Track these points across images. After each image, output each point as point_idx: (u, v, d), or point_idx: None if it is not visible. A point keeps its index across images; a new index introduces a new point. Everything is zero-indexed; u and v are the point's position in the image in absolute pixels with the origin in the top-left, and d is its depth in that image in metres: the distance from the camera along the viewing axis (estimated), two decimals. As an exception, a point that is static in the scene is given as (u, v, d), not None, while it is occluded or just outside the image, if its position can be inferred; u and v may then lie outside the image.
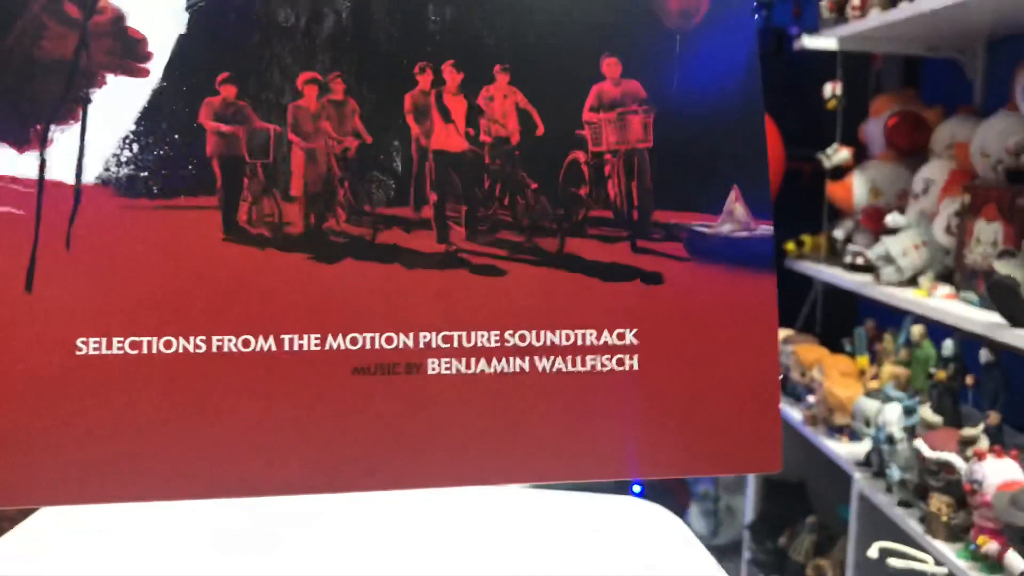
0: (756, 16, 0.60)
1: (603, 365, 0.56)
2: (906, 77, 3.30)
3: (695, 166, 0.58)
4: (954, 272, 2.32)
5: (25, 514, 0.72)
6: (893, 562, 1.84)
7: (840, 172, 3.02)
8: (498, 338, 0.55)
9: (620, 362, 0.56)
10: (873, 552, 1.82)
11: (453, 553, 0.77)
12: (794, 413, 2.61)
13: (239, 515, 0.73)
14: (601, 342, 0.56)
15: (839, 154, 3.01)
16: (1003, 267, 1.97)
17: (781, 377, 2.76)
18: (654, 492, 3.68)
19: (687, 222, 0.57)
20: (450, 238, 0.56)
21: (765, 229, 0.58)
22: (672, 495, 3.74)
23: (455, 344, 0.55)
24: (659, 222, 0.57)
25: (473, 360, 0.55)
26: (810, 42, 2.94)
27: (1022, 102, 2.28)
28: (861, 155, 3.09)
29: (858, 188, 2.91)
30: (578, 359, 0.55)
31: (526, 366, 0.55)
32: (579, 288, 0.56)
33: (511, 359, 0.55)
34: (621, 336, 0.56)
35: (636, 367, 0.56)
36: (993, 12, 2.34)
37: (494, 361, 0.55)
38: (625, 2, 0.58)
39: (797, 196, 3.60)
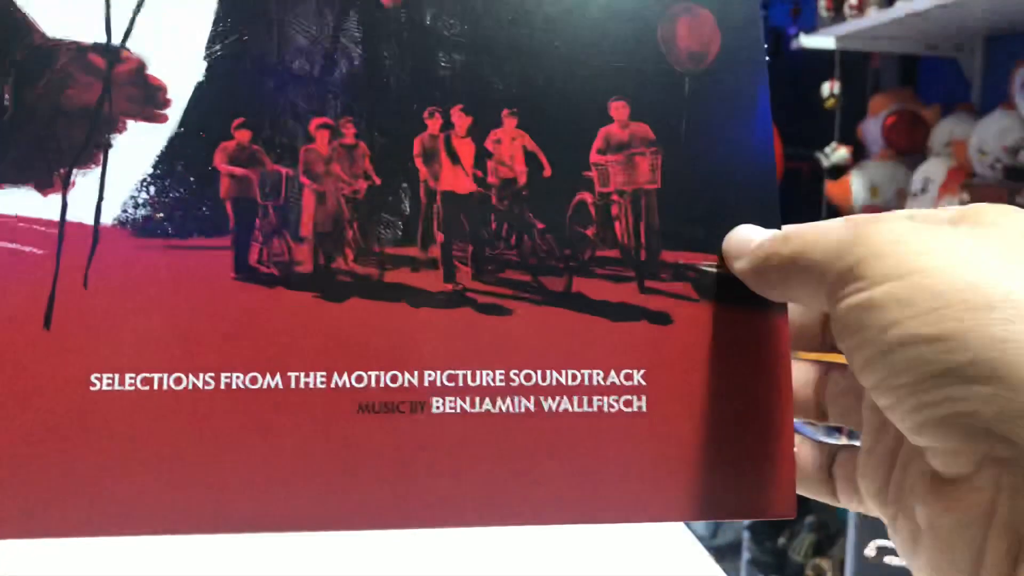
0: (767, 58, 0.60)
1: (610, 406, 0.55)
2: (904, 76, 3.32)
3: (704, 206, 0.57)
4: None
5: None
6: (891, 560, 1.85)
7: (838, 171, 3.03)
8: (503, 377, 0.55)
9: (628, 403, 0.55)
10: (871, 551, 1.84)
11: (452, 547, 0.77)
12: (795, 415, 2.61)
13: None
14: (608, 383, 0.55)
15: (837, 153, 3.03)
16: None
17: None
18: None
19: (695, 262, 0.57)
20: (456, 277, 0.56)
21: None
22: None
23: (460, 383, 0.55)
24: (667, 262, 0.57)
25: (478, 399, 0.55)
26: (808, 41, 2.95)
27: (1020, 100, 2.29)
28: (859, 154, 3.11)
29: (856, 187, 2.92)
30: (585, 399, 0.55)
31: (532, 406, 0.55)
32: (586, 328, 0.56)
33: (516, 398, 0.55)
34: (629, 377, 0.56)
35: (644, 408, 0.55)
36: (990, 10, 2.35)
37: (499, 400, 0.55)
38: (635, 46, 0.58)
39: (796, 195, 3.61)
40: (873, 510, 0.55)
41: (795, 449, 0.56)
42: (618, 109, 0.58)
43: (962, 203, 1.98)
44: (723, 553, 3.49)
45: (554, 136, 0.58)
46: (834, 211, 3.05)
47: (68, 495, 0.53)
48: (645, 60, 0.59)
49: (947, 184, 2.55)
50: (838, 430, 2.61)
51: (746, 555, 3.13)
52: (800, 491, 0.56)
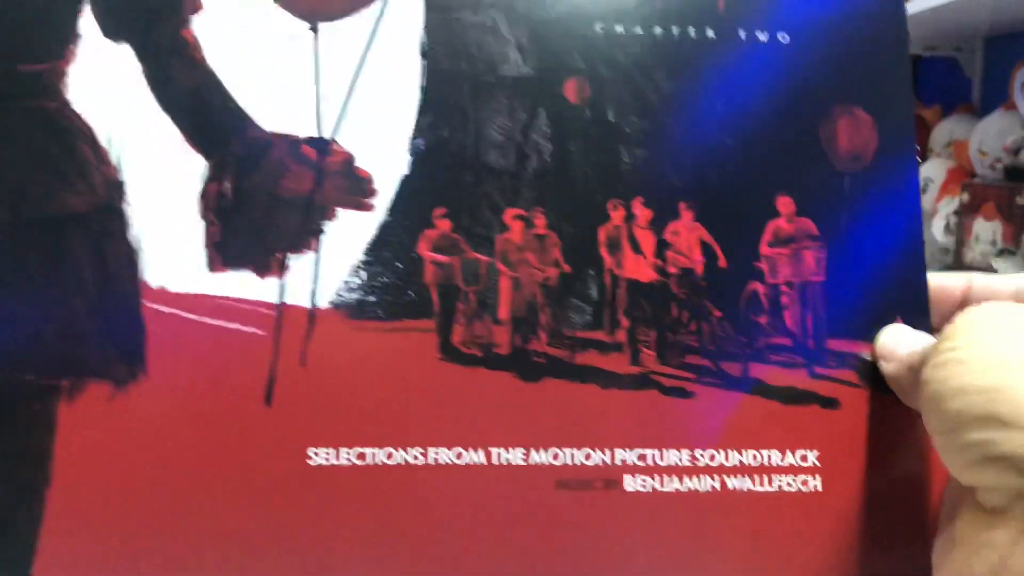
0: (918, 161, 0.64)
1: (788, 485, 0.59)
2: (903, 74, 3.33)
3: (863, 299, 0.62)
4: (953, 271, 2.35)
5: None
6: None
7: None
8: (690, 457, 0.59)
9: (804, 483, 0.59)
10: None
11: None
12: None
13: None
14: (786, 463, 0.59)
15: (838, 151, 3.05)
16: (1002, 265, 2.01)
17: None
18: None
19: (857, 351, 0.61)
20: (642, 360, 0.60)
21: None
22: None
23: (649, 461, 0.58)
24: (833, 350, 0.61)
25: (667, 477, 0.58)
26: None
27: (1020, 100, 2.32)
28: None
29: (857, 186, 2.93)
30: (766, 479, 0.59)
31: (718, 485, 0.58)
32: (762, 411, 0.60)
33: (703, 477, 0.58)
34: (804, 458, 0.59)
35: (820, 488, 0.59)
36: (991, 10, 2.37)
37: (686, 479, 0.58)
38: (799, 146, 0.62)
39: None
40: None
41: None
42: (785, 204, 0.62)
43: (962, 204, 2.01)
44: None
45: (727, 228, 0.62)
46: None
47: (288, 567, 0.56)
48: (809, 159, 0.63)
49: (947, 184, 2.58)
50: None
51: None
52: None
